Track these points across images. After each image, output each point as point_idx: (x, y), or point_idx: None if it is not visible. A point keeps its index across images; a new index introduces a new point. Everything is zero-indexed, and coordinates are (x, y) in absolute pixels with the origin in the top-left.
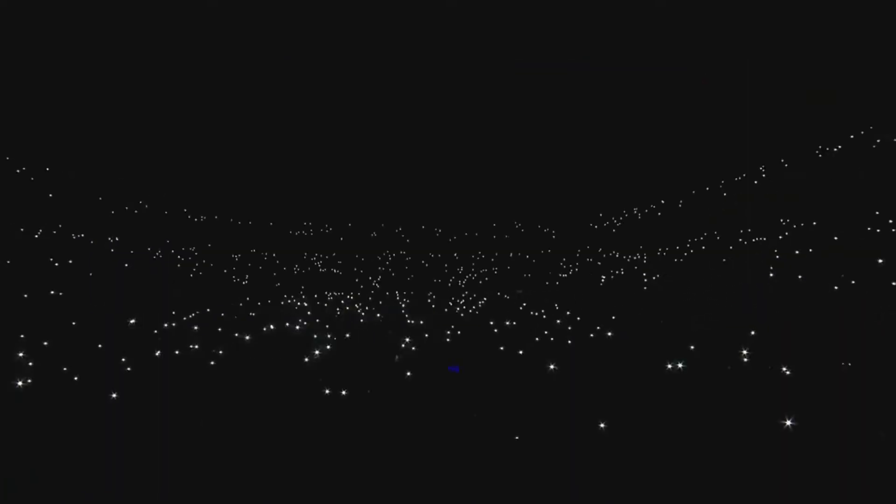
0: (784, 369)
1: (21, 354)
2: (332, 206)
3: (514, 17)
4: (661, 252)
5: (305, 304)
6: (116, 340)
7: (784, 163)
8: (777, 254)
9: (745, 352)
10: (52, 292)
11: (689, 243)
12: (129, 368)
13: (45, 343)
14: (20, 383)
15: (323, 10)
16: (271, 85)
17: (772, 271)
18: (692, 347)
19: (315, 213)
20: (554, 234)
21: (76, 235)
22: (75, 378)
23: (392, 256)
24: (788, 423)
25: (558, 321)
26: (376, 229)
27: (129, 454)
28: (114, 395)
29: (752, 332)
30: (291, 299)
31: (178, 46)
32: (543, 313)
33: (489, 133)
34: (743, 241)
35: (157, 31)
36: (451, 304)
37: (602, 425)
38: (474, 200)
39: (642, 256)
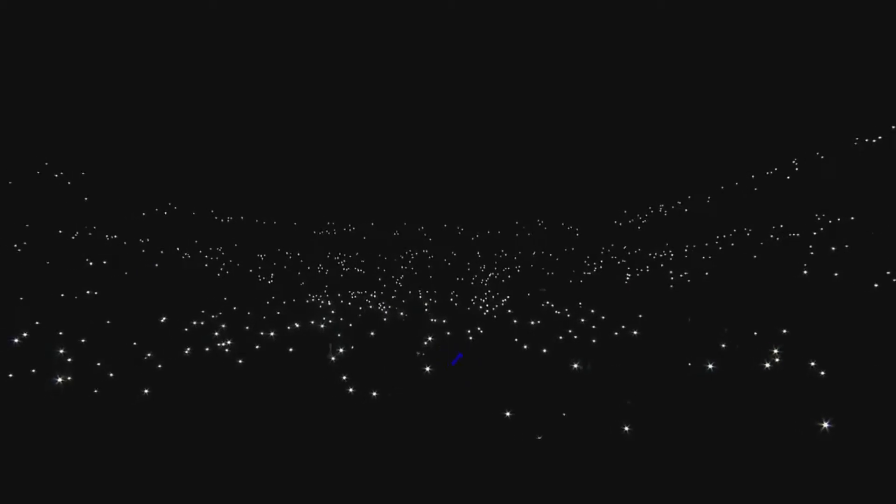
0: (814, 365)
1: (61, 351)
2: (355, 206)
3: (528, 18)
4: (688, 249)
5: (329, 303)
6: (148, 338)
7: (820, 155)
8: (812, 250)
9: (776, 351)
10: (88, 292)
11: (717, 240)
12: (160, 366)
13: (83, 340)
14: (59, 379)
15: (343, 15)
16: (296, 89)
17: (806, 268)
18: (723, 346)
19: (338, 213)
20: (577, 232)
21: (110, 237)
22: (111, 374)
23: (415, 255)
24: (826, 425)
25: (582, 319)
26: (399, 228)
27: (158, 447)
28: (146, 391)
29: (784, 332)
30: (316, 298)
31: (205, 55)
32: (567, 311)
33: (512, 132)
34: (775, 238)
35: (190, 44)
36: (473, 302)
37: (626, 428)
38: (497, 199)
39: (668, 254)
